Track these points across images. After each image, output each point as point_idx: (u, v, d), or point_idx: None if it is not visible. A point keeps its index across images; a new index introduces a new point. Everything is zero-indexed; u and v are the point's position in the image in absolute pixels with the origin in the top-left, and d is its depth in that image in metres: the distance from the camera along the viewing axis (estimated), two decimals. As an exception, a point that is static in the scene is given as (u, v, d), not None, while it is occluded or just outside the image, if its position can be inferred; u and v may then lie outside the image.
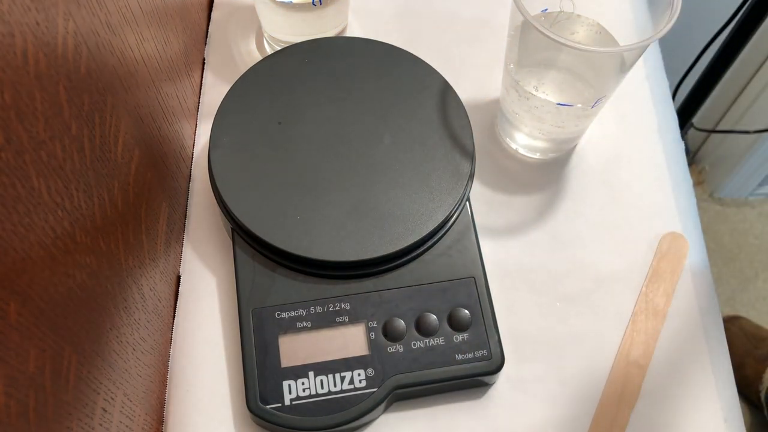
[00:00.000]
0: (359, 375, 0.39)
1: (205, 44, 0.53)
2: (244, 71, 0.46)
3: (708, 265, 0.47)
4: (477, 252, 0.42)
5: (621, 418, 0.40)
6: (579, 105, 0.42)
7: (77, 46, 0.28)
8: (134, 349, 0.36)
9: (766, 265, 1.23)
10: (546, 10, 0.43)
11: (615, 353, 0.42)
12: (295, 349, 0.39)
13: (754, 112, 1.09)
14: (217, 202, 0.42)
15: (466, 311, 0.40)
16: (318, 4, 0.47)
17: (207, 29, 0.54)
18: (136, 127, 0.36)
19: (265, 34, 0.52)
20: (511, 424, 0.40)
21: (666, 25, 0.37)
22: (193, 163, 0.48)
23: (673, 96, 0.90)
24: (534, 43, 0.41)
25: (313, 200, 0.41)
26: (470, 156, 0.43)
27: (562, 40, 0.36)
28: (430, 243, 0.42)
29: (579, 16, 0.43)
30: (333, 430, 0.38)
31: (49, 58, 0.25)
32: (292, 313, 0.40)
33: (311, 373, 0.39)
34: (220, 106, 0.44)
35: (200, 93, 0.51)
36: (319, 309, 0.40)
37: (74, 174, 0.28)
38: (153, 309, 0.39)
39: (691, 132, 1.12)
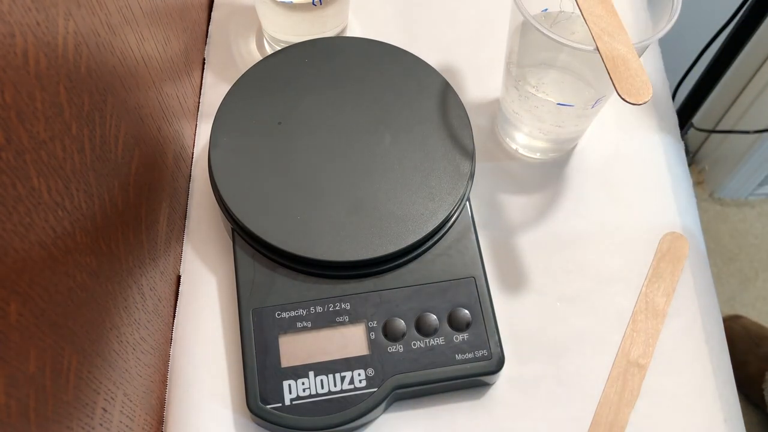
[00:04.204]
0: (359, 375, 0.39)
1: (205, 44, 0.53)
2: (244, 71, 0.46)
3: (708, 265, 0.47)
4: (477, 252, 0.42)
5: (621, 418, 0.40)
6: (579, 105, 0.42)
7: (77, 46, 0.28)
8: (134, 349, 0.36)
9: (766, 265, 1.23)
10: (546, 10, 0.43)
11: (615, 353, 0.42)
12: (295, 349, 0.39)
13: (754, 112, 1.09)
14: (217, 202, 0.42)
15: (466, 311, 0.40)
16: (318, 4, 0.47)
17: (207, 29, 0.54)
18: (137, 127, 0.36)
19: (265, 34, 0.52)
20: (511, 424, 0.40)
21: (666, 25, 0.37)
22: (193, 163, 0.48)
23: (673, 96, 0.90)
24: (534, 43, 0.41)
25: (313, 200, 0.41)
26: (470, 156, 0.43)
27: (562, 40, 0.36)
28: (430, 243, 0.42)
29: (579, 16, 0.43)
30: (333, 430, 0.38)
31: (49, 58, 0.25)
32: (292, 313, 0.40)
33: (311, 373, 0.39)
34: (220, 106, 0.44)
35: (200, 93, 0.51)
36: (319, 309, 0.40)
37: (74, 174, 0.28)
38: (153, 309, 0.39)
39: (691, 132, 1.12)
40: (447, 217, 0.41)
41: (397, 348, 0.39)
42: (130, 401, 0.35)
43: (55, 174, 0.26)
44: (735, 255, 1.24)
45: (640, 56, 0.36)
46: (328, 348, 0.39)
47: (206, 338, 0.42)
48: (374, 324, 0.40)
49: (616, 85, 0.34)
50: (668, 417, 0.41)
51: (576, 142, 0.49)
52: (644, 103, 0.33)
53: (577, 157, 0.49)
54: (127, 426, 0.34)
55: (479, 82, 0.52)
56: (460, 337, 0.40)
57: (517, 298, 0.44)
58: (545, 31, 0.36)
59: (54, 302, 0.26)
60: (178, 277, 0.44)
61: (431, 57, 0.48)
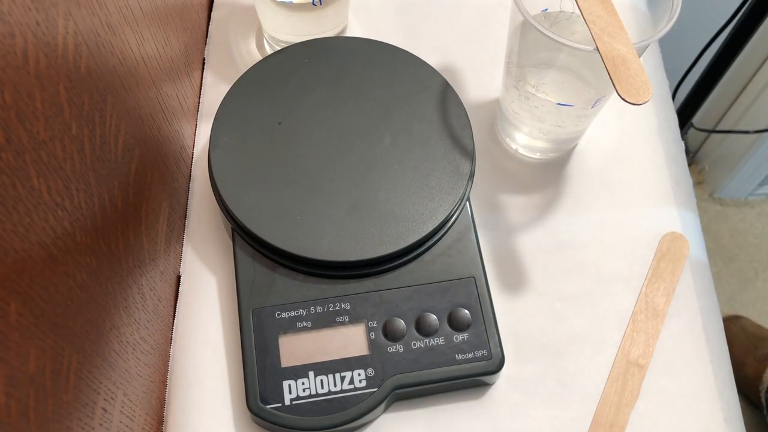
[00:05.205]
0: (359, 375, 0.39)
1: (205, 44, 0.53)
2: (244, 71, 0.46)
3: (708, 265, 0.47)
4: (477, 252, 0.42)
5: (621, 418, 0.40)
6: (579, 105, 0.42)
7: (77, 46, 0.28)
8: (134, 349, 0.36)
9: (766, 265, 1.23)
10: (546, 10, 0.43)
11: (615, 353, 0.42)
12: (295, 349, 0.39)
13: (754, 112, 1.09)
14: (217, 202, 0.42)
15: (466, 311, 0.40)
16: (318, 4, 0.47)
17: (207, 29, 0.54)
18: (137, 127, 0.36)
19: (265, 34, 0.52)
20: (511, 424, 0.40)
21: (666, 25, 0.37)
22: (193, 163, 0.48)
23: (673, 96, 0.90)
24: (534, 43, 0.41)
25: (313, 200, 0.41)
26: (470, 156, 0.43)
27: (562, 40, 0.36)
28: (430, 243, 0.42)
29: (579, 16, 0.43)
30: (333, 430, 0.38)
31: (49, 58, 0.25)
32: (292, 313, 0.40)
33: (311, 373, 0.39)
34: (220, 106, 0.44)
35: (200, 93, 0.51)
36: (319, 309, 0.40)
37: (74, 174, 0.28)
38: (153, 309, 0.39)
39: (691, 132, 1.12)
40: (447, 217, 0.41)
41: (397, 348, 0.39)
42: (130, 401, 0.35)
43: (55, 174, 0.26)
44: (735, 255, 1.24)
45: (640, 56, 0.36)
46: (328, 348, 0.39)
47: (206, 338, 0.42)
48: (374, 324, 0.40)
49: (616, 85, 0.34)
50: (668, 417, 0.41)
51: (576, 142, 0.49)
52: (644, 103, 0.33)
53: (577, 157, 0.49)
54: (127, 426, 0.34)
55: (479, 82, 0.52)
56: (460, 337, 0.40)
57: (517, 298, 0.44)
58: (545, 31, 0.36)
59: (54, 302, 0.26)
60: (178, 277, 0.44)
61: (431, 57, 0.48)
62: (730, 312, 1.17)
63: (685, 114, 1.01)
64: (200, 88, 0.51)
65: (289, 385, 0.38)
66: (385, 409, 0.40)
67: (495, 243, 0.46)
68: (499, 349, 0.40)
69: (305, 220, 0.40)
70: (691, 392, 0.42)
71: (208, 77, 0.52)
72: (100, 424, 0.30)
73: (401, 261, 0.41)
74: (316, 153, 0.43)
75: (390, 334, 0.40)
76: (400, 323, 0.40)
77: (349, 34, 0.53)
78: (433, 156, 0.43)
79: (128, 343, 0.35)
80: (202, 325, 0.42)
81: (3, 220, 0.22)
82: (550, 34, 0.36)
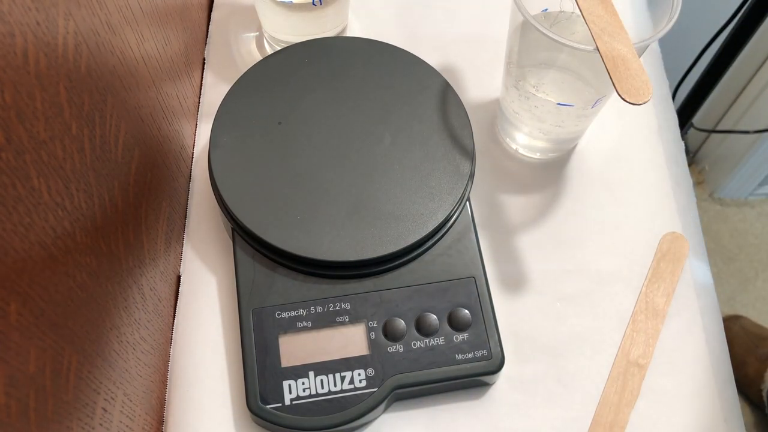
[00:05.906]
0: (359, 375, 0.39)
1: (205, 44, 0.53)
2: (244, 71, 0.46)
3: (708, 265, 0.47)
4: (477, 252, 0.42)
5: (621, 418, 0.40)
6: (579, 105, 0.42)
7: (77, 45, 0.28)
8: (134, 349, 0.36)
9: (766, 265, 1.23)
10: (546, 10, 0.43)
11: (615, 353, 0.42)
12: (295, 349, 0.39)
13: (754, 112, 1.09)
14: (217, 202, 0.42)
15: (466, 311, 0.40)
16: (318, 4, 0.47)
17: (207, 29, 0.54)
18: (137, 126, 0.36)
19: (265, 34, 0.52)
20: (511, 424, 0.40)
21: (666, 25, 0.37)
22: (193, 163, 0.48)
23: (673, 96, 0.90)
24: (534, 43, 0.41)
25: (313, 200, 0.41)
26: (470, 156, 0.43)
27: (562, 40, 0.36)
28: (430, 243, 0.42)
29: (579, 16, 0.43)
30: (333, 430, 0.38)
31: (49, 58, 0.25)
32: (292, 313, 0.40)
33: (311, 373, 0.39)
34: (220, 106, 0.44)
35: (200, 93, 0.51)
36: (319, 309, 0.40)
37: (74, 174, 0.28)
38: (153, 309, 0.39)
39: (691, 132, 1.12)
40: (447, 217, 0.41)
41: (397, 348, 0.39)
42: (130, 401, 0.35)
43: (55, 174, 0.26)
44: (735, 255, 1.24)
45: (640, 56, 0.36)
46: (328, 348, 0.39)
47: (206, 338, 0.42)
48: (374, 324, 0.40)
49: (616, 85, 0.34)
50: (668, 417, 0.41)
51: (576, 142, 0.49)
52: (644, 103, 0.33)
53: (577, 157, 0.49)
54: (127, 426, 0.34)
55: (479, 82, 0.52)
56: (460, 337, 0.40)
57: (517, 298, 0.44)
58: (545, 31, 0.36)
59: (54, 302, 0.26)
60: (178, 277, 0.44)
61: (431, 57, 0.48)
62: (730, 312, 1.17)
63: (685, 114, 1.01)
64: (200, 88, 0.51)
65: (289, 385, 0.38)
66: (385, 409, 0.40)
67: (495, 243, 0.46)
68: (499, 349, 0.40)
69: (305, 220, 0.40)
70: (691, 392, 0.42)
71: (208, 77, 0.52)
72: (100, 424, 0.30)
73: (401, 261, 0.41)
74: (316, 153, 0.43)
75: (390, 334, 0.40)
76: (400, 323, 0.40)
77: (349, 34, 0.53)
78: (433, 156, 0.43)
79: (128, 343, 0.35)
80: (202, 325, 0.42)
81: (3, 220, 0.22)
82: (550, 34, 0.36)
